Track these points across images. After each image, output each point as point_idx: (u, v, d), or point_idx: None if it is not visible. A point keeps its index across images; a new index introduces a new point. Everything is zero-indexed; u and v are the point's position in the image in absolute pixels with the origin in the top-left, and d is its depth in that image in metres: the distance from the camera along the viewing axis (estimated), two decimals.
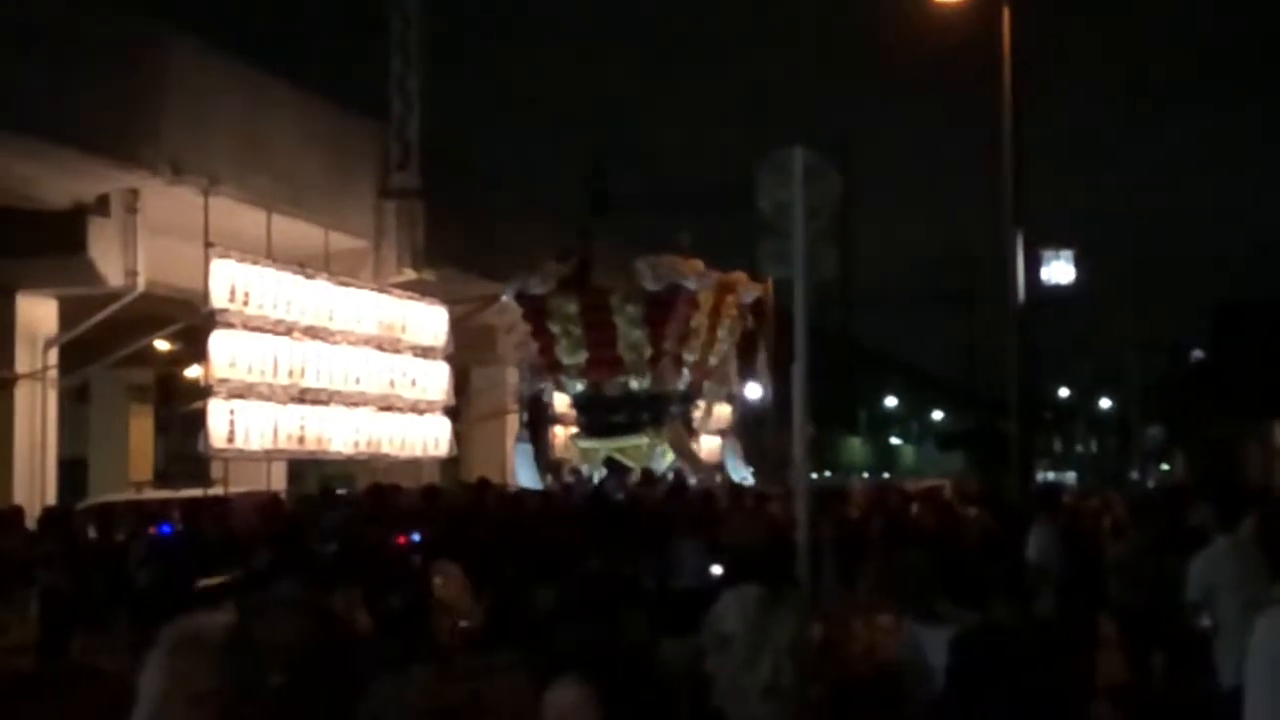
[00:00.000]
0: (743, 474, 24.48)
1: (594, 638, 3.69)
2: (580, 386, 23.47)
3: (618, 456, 22.56)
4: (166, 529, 13.22)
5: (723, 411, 27.80)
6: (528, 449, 23.61)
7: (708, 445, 25.53)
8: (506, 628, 7.16)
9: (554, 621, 7.16)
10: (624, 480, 20.41)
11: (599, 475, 21.82)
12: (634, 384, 23.02)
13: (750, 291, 24.52)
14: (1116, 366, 57.05)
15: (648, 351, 22.81)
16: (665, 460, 22.49)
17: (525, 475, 22.79)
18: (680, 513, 14.38)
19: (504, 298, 23.74)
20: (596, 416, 23.24)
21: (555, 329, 23.10)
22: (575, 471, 22.65)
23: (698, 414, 24.43)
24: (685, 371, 23.39)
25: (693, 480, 20.66)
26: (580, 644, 3.34)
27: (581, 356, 23.17)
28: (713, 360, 24.17)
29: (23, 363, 20.09)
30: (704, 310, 23.40)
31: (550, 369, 23.45)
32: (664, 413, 23.07)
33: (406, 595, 8.46)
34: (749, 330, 25.13)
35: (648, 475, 20.25)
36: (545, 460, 23.52)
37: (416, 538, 12.39)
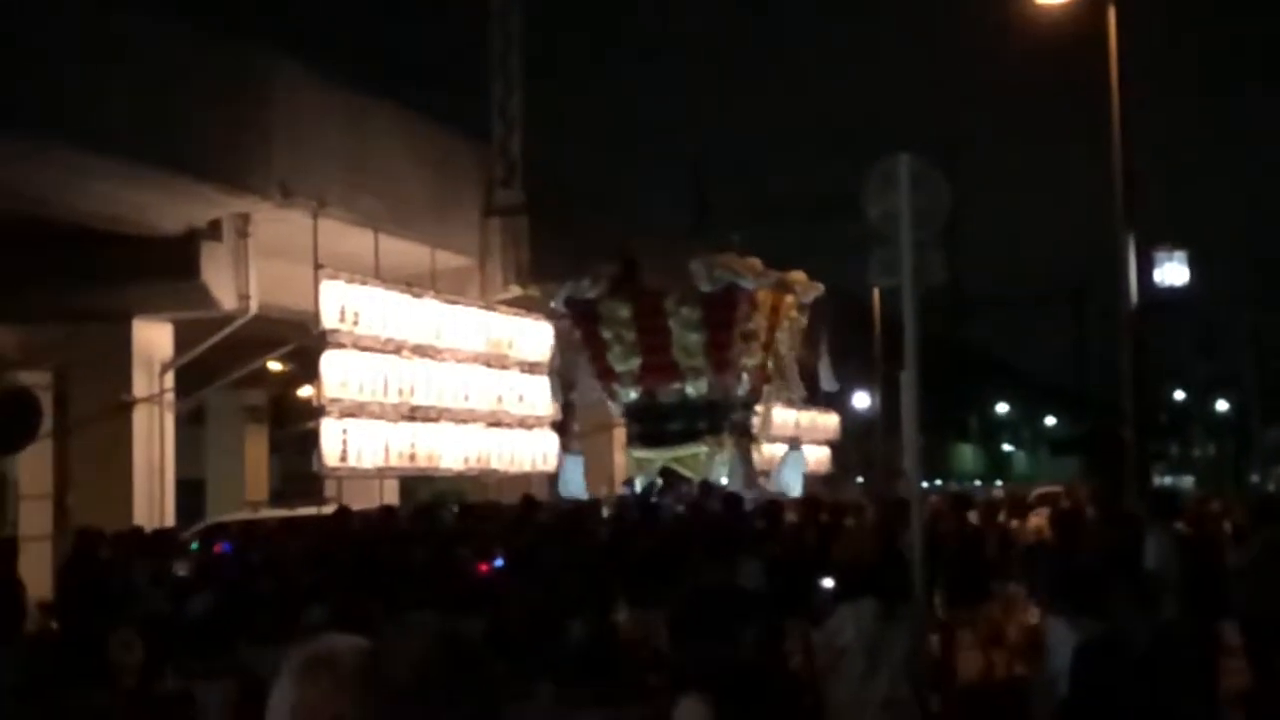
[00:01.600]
0: (793, 487, 23.14)
1: (715, 654, 3.67)
2: (634, 394, 22.58)
3: (675, 466, 21.79)
4: (226, 547, 13.23)
5: (787, 419, 26.80)
6: (579, 460, 22.89)
7: (770, 453, 24.61)
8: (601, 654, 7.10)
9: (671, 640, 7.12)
10: (681, 492, 19.50)
11: (656, 485, 20.92)
12: (690, 390, 22.11)
13: (810, 292, 23.74)
14: (1233, 368, 55.97)
15: (704, 356, 21.86)
16: (723, 471, 21.46)
17: (574, 487, 22.10)
18: (741, 529, 13.58)
19: (553, 304, 22.93)
20: (652, 425, 22.41)
21: (607, 334, 22.28)
22: (628, 483, 21.82)
23: (757, 420, 23.52)
24: (744, 376, 22.39)
25: (750, 494, 19.49)
26: (701, 661, 3.32)
27: (635, 363, 22.32)
28: (772, 364, 23.23)
29: (140, 386, 20.43)
30: (763, 311, 22.43)
31: (602, 376, 22.62)
32: (722, 420, 22.10)
33: (486, 621, 8.33)
34: (809, 331, 24.15)
35: (706, 487, 19.20)
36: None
37: (499, 563, 12.23)
